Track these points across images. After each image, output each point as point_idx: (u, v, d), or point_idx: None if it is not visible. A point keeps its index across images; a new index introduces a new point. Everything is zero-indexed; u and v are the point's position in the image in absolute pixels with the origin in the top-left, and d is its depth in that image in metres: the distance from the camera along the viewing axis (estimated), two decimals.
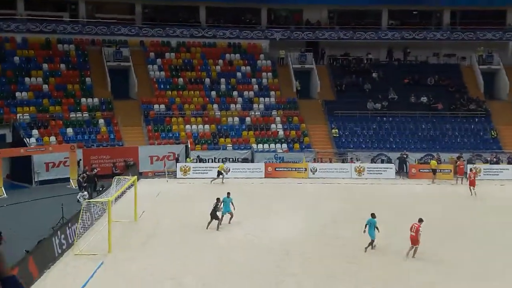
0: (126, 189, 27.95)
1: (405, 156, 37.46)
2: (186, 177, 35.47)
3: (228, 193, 24.38)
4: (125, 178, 26.22)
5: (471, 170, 33.82)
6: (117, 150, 36.79)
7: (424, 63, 47.29)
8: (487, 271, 18.30)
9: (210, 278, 17.67)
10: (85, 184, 30.09)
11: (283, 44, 46.31)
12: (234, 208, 23.94)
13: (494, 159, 37.78)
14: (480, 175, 35.90)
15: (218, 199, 23.55)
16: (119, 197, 27.73)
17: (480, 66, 45.40)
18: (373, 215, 20.56)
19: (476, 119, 42.25)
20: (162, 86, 42.81)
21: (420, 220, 19.72)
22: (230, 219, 23.88)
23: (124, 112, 40.06)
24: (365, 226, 20.40)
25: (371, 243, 20.22)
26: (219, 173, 34.06)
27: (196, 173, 35.83)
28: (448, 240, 21.65)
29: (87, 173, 31.17)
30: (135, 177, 27.15)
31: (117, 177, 25.73)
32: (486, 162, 37.94)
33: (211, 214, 23.24)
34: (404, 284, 17.25)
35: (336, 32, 47.08)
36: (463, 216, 26.29)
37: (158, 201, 29.03)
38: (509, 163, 37.62)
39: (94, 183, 30.71)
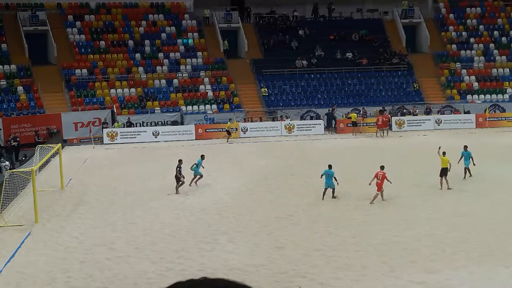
0: (51, 157, 27.02)
1: (332, 111, 38.11)
2: (113, 142, 34.63)
3: (202, 156, 24.12)
4: (48, 146, 25.35)
5: (383, 114, 36.50)
6: (39, 118, 35.44)
7: (348, 19, 47.74)
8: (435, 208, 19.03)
9: (142, 241, 17.44)
10: (6, 154, 28.84)
11: (208, 2, 45.43)
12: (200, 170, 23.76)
13: (417, 111, 39.04)
14: (404, 127, 37.21)
15: (180, 160, 23.09)
16: (43, 166, 26.80)
17: (402, 20, 46.30)
18: (330, 166, 21.43)
19: (399, 73, 43.33)
20: (83, 50, 41.23)
21: (382, 167, 20.85)
22: (196, 180, 23.59)
23: (44, 78, 38.41)
24: (321, 176, 21.28)
25: (333, 191, 21.10)
26: (228, 132, 34.75)
27: (124, 138, 35.04)
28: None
29: (8, 142, 29.88)
30: (59, 144, 26.27)
31: (40, 145, 24.84)
32: (409, 114, 39.14)
33: (175, 176, 22.79)
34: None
35: None
36: (395, 164, 27.04)
37: (85, 168, 28.24)
38: (426, 113, 38.96)
39: (15, 152, 29.48)
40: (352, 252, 15.99)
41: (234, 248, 16.57)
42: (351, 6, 47.62)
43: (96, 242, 17.48)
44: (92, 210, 20.97)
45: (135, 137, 35.09)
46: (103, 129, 35.24)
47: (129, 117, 36.81)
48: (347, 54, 44.15)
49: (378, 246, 16.36)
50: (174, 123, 37.60)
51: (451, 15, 46.85)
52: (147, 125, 36.92)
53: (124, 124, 36.25)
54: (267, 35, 44.99)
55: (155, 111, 38.40)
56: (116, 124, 36.03)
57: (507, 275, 14.18)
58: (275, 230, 18.13)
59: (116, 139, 34.87)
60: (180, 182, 22.78)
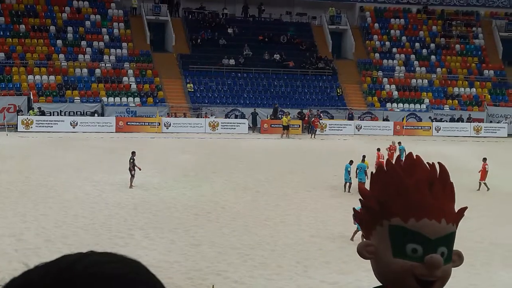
0: None
1: (255, 111, 38.25)
2: (28, 130, 33.14)
3: (351, 161, 22.76)
4: None
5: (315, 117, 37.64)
6: None
7: (277, 20, 48.10)
8: None
9: (53, 233, 16.74)
10: None
11: None
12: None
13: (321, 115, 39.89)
14: (325, 130, 37.90)
15: (133, 152, 22.09)
16: None
17: (329, 26, 47.17)
18: (363, 159, 22.33)
19: (324, 77, 44.11)
20: (1, 33, 39.33)
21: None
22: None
23: None
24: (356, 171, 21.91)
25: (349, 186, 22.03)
26: (285, 127, 35.16)
27: (40, 126, 33.61)
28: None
29: None
30: None
31: None
32: (331, 118, 39.90)
33: (129, 169, 21.88)
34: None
35: None
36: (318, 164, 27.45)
37: None
38: (349, 119, 39.89)
39: None
40: (268, 251, 16.01)
41: (149, 243, 16.19)
42: (281, 8, 48.03)
43: (4, 232, 16.61)
44: (1, 200, 19.92)
45: (52, 126, 33.77)
46: (18, 116, 33.67)
47: (39, 107, 35.10)
48: (275, 55, 44.47)
49: (293, 246, 16.47)
50: (94, 114, 36.48)
51: (376, 25, 48.21)
52: (65, 115, 35.59)
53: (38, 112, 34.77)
54: (196, 31, 44.57)
55: (75, 100, 37.11)
56: (31, 111, 34.51)
57: None
58: (193, 227, 17.89)
59: (32, 127, 33.40)
60: (131, 176, 21.90)
